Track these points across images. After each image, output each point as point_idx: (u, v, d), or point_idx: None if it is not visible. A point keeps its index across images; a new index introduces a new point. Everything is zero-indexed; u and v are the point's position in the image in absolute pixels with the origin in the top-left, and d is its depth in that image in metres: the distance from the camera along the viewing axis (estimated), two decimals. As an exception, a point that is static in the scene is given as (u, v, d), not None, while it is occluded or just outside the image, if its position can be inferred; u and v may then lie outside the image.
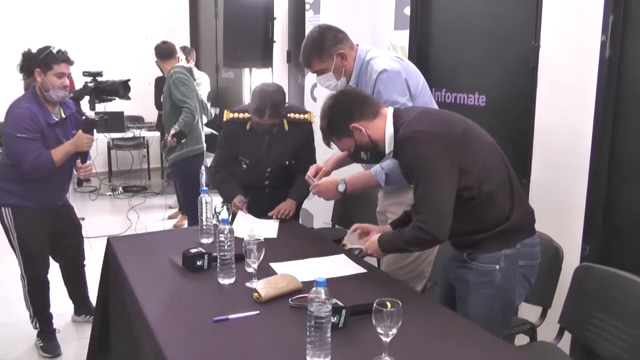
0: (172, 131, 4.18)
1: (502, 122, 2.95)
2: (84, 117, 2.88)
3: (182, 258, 2.18)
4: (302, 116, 2.87)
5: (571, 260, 2.34)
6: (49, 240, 3.01)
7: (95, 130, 2.90)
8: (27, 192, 2.87)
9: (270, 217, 2.79)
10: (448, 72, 3.35)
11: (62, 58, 2.80)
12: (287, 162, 2.88)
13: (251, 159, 2.86)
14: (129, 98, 3.18)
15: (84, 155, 2.94)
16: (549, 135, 2.70)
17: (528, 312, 2.42)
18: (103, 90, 3.01)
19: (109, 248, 2.48)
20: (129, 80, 3.11)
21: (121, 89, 3.03)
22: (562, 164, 2.63)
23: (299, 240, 2.46)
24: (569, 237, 2.47)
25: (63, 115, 2.91)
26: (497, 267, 1.87)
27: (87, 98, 3.02)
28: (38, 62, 2.77)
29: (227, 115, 2.83)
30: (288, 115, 2.78)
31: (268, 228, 2.66)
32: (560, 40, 2.60)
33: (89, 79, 3.01)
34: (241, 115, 2.79)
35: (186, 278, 2.12)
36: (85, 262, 3.32)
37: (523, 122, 2.82)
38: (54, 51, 2.79)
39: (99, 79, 3.02)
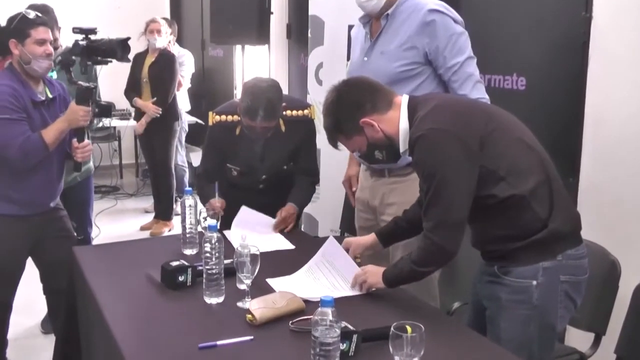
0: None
1: (545, 110, 2.94)
2: (77, 86, 2.81)
3: (161, 272, 2.18)
4: (301, 112, 2.86)
5: (630, 276, 2.32)
6: (30, 256, 2.92)
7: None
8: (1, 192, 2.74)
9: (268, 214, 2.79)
10: (481, 49, 3.29)
11: (39, 21, 2.77)
12: (285, 167, 2.90)
13: (242, 167, 2.86)
14: (128, 60, 3.13)
15: (80, 133, 2.86)
16: (602, 125, 2.68)
17: (577, 339, 2.41)
18: (97, 50, 2.95)
19: (73, 260, 2.48)
20: (128, 38, 3.03)
21: (119, 49, 2.97)
22: (618, 160, 2.62)
23: (300, 252, 2.45)
24: (628, 248, 2.46)
25: (50, 95, 2.85)
26: (534, 282, 1.87)
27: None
28: (11, 33, 2.73)
29: (213, 118, 2.83)
30: (284, 113, 2.77)
31: (276, 240, 2.67)
32: (616, 10, 2.59)
33: (80, 36, 2.93)
34: (229, 117, 2.80)
35: (166, 296, 2.12)
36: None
37: (571, 109, 2.81)
38: (29, 16, 2.77)
39: (92, 37, 2.96)
